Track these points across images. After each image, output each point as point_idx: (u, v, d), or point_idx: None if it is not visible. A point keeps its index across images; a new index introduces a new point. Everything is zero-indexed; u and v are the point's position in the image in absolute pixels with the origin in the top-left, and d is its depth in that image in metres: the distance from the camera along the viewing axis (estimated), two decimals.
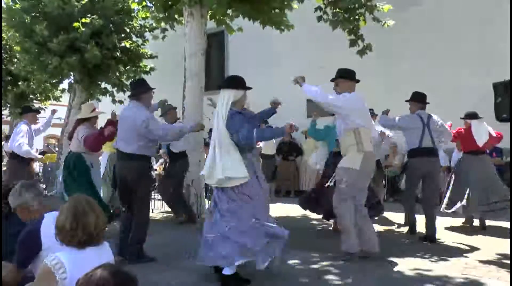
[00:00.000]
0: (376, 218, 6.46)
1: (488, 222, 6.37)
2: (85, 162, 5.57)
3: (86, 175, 5.56)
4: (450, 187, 6.25)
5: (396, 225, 6.47)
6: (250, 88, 3.96)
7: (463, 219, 6.47)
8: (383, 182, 7.42)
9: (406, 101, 5.73)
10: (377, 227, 6.32)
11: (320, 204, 5.88)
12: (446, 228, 6.16)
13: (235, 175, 3.67)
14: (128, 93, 11.62)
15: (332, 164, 5.87)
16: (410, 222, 5.85)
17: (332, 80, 4.78)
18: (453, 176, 6.30)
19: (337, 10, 7.34)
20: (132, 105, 4.60)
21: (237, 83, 3.93)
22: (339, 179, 4.56)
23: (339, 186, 4.54)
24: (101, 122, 6.20)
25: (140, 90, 4.61)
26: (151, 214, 6.64)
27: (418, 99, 5.66)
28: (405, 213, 6.20)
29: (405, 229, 6.05)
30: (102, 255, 2.15)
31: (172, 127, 4.88)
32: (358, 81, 4.74)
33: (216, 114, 3.85)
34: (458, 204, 5.95)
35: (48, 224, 2.50)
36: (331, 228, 6.19)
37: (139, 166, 4.48)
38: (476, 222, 6.32)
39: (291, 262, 4.43)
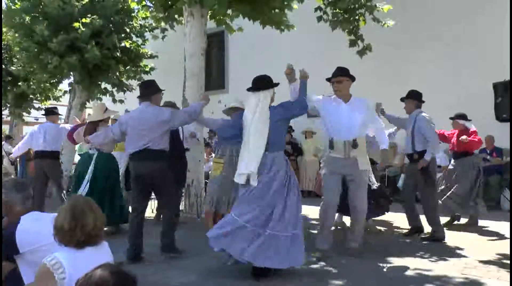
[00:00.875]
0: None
1: (488, 222, 6.38)
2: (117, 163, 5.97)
3: (117, 176, 5.92)
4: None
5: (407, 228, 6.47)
6: (278, 84, 4.16)
7: (463, 220, 6.48)
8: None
9: (401, 99, 5.72)
10: (377, 227, 6.33)
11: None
12: (446, 228, 6.15)
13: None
14: (128, 92, 11.63)
15: None
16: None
17: (329, 79, 4.75)
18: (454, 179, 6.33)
19: (337, 10, 7.34)
20: (146, 105, 4.66)
21: (271, 82, 4.12)
22: (366, 180, 4.71)
23: (361, 188, 4.65)
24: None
25: (150, 91, 4.69)
26: (150, 214, 6.68)
27: (415, 97, 5.61)
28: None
29: (404, 229, 6.05)
30: (101, 255, 2.15)
31: (189, 108, 4.95)
32: (354, 79, 4.79)
33: (253, 115, 3.97)
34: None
35: (25, 228, 2.49)
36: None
37: (164, 163, 4.59)
38: (481, 222, 6.35)
39: None
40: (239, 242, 3.73)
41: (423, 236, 5.55)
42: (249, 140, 3.95)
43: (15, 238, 2.47)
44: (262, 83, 4.07)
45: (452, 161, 6.45)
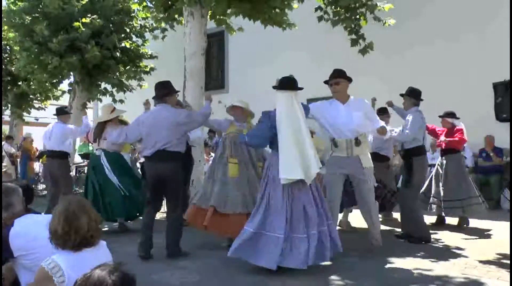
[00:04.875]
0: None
1: (488, 222, 6.37)
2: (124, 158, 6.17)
3: (129, 168, 6.18)
4: (435, 188, 6.29)
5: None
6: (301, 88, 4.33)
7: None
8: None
9: (401, 95, 5.72)
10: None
11: None
12: (446, 229, 6.15)
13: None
14: (128, 93, 11.61)
15: None
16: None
17: (326, 82, 4.87)
18: (438, 177, 6.29)
19: (338, 9, 7.32)
20: (163, 106, 4.74)
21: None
22: (369, 178, 4.75)
23: (369, 184, 4.74)
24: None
25: (164, 92, 4.77)
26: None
27: (413, 95, 5.60)
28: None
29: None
30: (99, 255, 2.13)
31: (203, 110, 5.08)
32: (351, 80, 4.87)
33: (291, 113, 4.12)
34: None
35: (18, 231, 2.46)
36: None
37: (178, 165, 4.66)
38: (481, 222, 6.32)
39: None
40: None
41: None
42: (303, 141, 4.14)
43: (8, 242, 2.43)
44: (292, 84, 4.27)
45: (439, 159, 6.41)
